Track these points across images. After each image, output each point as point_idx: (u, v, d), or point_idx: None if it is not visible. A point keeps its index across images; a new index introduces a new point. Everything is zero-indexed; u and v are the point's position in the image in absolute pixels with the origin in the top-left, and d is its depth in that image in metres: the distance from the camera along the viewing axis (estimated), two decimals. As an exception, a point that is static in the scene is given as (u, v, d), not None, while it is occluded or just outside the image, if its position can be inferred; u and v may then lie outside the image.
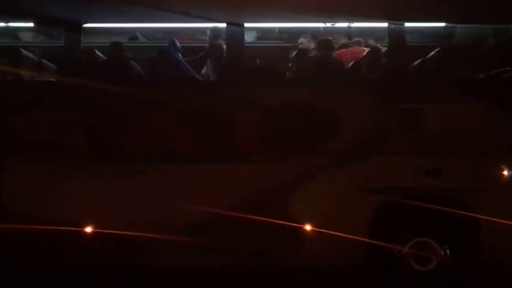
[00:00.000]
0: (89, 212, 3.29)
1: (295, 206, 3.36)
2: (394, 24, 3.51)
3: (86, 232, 3.32)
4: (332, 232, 3.23)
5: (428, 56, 3.75)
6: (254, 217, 3.22)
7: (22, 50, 4.08)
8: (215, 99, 3.42)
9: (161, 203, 3.19)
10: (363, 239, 3.30)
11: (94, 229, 3.33)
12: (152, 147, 3.41)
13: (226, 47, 3.64)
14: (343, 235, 3.21)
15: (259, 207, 3.28)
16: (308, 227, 3.35)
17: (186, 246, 3.20)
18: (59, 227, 3.19)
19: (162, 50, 3.77)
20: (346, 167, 3.37)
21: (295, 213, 3.34)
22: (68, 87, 3.40)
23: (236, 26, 3.51)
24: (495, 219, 3.26)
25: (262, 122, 3.39)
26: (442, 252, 3.36)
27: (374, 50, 3.85)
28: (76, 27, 3.51)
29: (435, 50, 3.74)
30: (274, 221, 3.23)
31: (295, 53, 3.97)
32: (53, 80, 3.76)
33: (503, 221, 3.27)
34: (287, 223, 3.27)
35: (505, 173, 3.37)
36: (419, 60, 3.76)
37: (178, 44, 3.77)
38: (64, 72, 3.48)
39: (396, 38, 3.51)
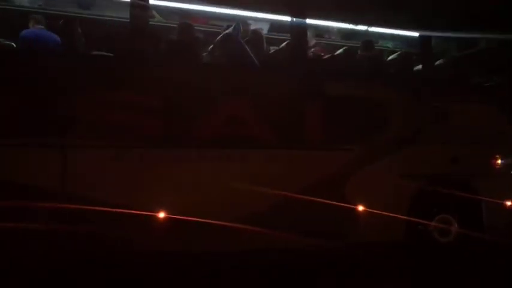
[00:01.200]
0: (163, 197, 3.21)
1: (351, 190, 3.76)
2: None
3: (159, 217, 3.24)
4: (380, 212, 3.72)
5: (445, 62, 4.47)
6: (319, 200, 3.52)
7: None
8: (284, 87, 3.60)
9: (232, 187, 3.28)
10: (403, 218, 3.87)
11: (167, 214, 3.26)
12: (223, 133, 3.44)
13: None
14: (389, 214, 3.74)
15: (321, 192, 3.59)
16: (361, 208, 3.78)
17: (255, 230, 3.34)
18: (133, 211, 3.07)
19: (230, 34, 3.71)
20: (392, 156, 3.87)
21: (351, 196, 3.75)
22: (139, 68, 3.21)
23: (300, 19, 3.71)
24: (494, 200, 4.14)
25: (326, 112, 3.69)
26: (457, 226, 4.12)
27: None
28: (144, 2, 3.28)
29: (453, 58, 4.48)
30: (336, 203, 3.58)
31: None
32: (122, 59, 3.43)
33: (499, 201, 4.17)
34: (344, 205, 3.66)
35: (499, 162, 4.27)
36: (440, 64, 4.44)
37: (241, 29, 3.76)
38: (134, 50, 3.24)
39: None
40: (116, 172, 3.15)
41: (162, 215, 3.23)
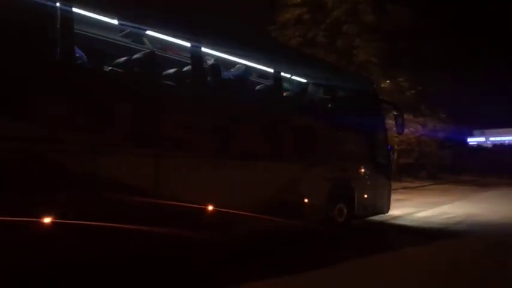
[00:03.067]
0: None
1: (298, 189, 6.03)
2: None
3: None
4: (317, 203, 6.15)
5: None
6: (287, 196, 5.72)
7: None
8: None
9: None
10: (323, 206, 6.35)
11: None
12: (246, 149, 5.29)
13: None
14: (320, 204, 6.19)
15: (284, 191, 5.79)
16: (306, 201, 6.05)
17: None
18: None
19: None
20: (321, 167, 6.44)
21: (298, 193, 6.00)
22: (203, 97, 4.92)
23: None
24: (361, 193, 7.13)
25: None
26: (346, 210, 6.86)
27: None
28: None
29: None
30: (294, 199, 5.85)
31: None
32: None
33: (364, 194, 7.23)
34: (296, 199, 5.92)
35: (363, 170, 7.34)
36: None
37: None
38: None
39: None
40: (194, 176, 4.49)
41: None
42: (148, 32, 4.80)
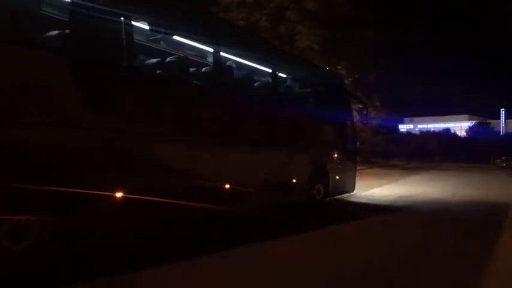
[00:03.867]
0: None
1: (287, 171, 7.51)
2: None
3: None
4: (301, 183, 7.79)
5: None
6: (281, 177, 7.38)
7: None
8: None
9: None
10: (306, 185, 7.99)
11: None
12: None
13: None
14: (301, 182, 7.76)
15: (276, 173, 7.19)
16: (294, 181, 7.62)
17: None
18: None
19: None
20: (306, 153, 8.09)
21: (288, 174, 7.51)
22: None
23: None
24: (334, 173, 8.88)
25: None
26: (322, 190, 8.53)
27: None
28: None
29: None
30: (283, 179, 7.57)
31: None
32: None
33: (338, 176, 9.01)
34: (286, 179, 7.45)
35: (336, 155, 9.08)
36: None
37: None
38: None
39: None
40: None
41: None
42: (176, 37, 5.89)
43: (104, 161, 4.10)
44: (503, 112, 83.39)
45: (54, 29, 4.15)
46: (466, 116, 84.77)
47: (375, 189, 13.27)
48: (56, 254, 3.54)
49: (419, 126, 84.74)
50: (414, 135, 72.85)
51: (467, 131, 74.57)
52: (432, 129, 77.70)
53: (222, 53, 6.16)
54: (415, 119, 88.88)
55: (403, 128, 79.08)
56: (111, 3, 4.28)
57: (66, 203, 3.61)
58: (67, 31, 4.08)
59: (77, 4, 3.95)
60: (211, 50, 6.27)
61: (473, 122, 76.87)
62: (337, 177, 8.96)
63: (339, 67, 18.75)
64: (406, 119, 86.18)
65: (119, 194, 4.13)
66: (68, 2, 4.12)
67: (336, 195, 9.23)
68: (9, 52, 3.41)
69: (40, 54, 3.68)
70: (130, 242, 4.61)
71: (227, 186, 5.71)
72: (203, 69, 6.25)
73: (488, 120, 76.74)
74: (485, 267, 4.54)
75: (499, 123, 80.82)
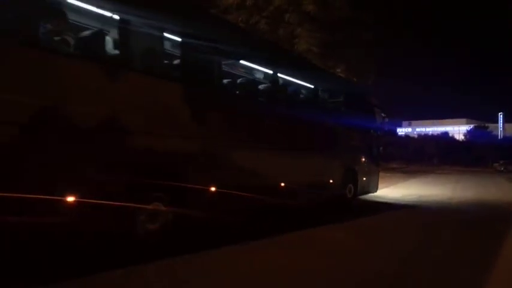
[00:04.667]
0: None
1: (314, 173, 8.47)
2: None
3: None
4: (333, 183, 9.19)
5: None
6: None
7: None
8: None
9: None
10: (340, 184, 9.53)
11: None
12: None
13: None
14: (336, 182, 9.38)
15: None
16: (331, 181, 9.15)
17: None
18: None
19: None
20: (338, 156, 9.58)
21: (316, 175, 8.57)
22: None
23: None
24: (362, 175, 10.50)
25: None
26: (353, 189, 10.05)
27: None
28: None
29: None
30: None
31: None
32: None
33: (364, 177, 10.63)
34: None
35: (363, 159, 10.75)
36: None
37: None
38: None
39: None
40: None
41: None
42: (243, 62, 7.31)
43: (208, 163, 5.60)
44: (501, 116, 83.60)
45: (175, 64, 5.84)
46: (464, 119, 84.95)
47: (379, 191, 13.61)
48: (175, 230, 5.08)
49: (418, 129, 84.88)
50: (412, 138, 73.00)
51: (465, 135, 74.70)
52: (430, 132, 77.86)
53: (279, 74, 7.62)
54: (414, 122, 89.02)
55: (401, 131, 79.11)
56: (209, 44, 5.75)
57: (181, 196, 5.02)
58: (184, 66, 5.68)
59: (188, 45, 5.58)
60: (270, 72, 7.61)
61: (471, 126, 77.02)
62: (364, 178, 10.35)
63: (338, 70, 18.79)
64: (404, 123, 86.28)
65: (212, 188, 5.60)
66: (182, 45, 5.64)
67: (362, 194, 10.50)
68: (151, 82, 4.91)
69: (165, 84, 5.20)
70: (224, 222, 5.89)
71: (282, 184, 7.14)
72: (267, 89, 7.48)
73: (486, 124, 76.91)
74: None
75: (497, 127, 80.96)
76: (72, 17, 4.61)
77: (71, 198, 3.86)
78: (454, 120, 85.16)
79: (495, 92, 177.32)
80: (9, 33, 3.51)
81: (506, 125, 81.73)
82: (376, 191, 11.29)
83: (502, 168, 47.43)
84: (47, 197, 3.60)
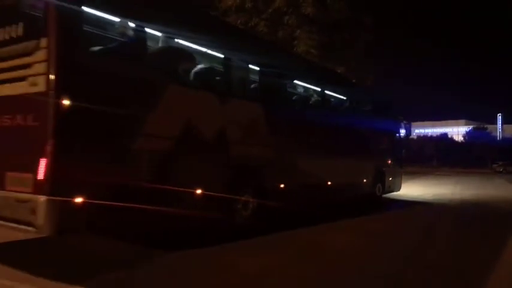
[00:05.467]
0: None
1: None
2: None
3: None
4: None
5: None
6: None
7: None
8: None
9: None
10: (370, 184, 11.40)
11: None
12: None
13: None
14: (368, 182, 10.99)
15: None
16: (364, 180, 10.90)
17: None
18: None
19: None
20: (370, 159, 11.46)
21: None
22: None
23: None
24: (389, 175, 12.14)
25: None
26: (381, 188, 11.71)
27: None
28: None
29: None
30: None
31: None
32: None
33: (390, 178, 12.36)
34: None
35: (389, 162, 12.32)
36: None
37: None
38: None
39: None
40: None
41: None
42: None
43: (278, 166, 7.15)
44: (500, 117, 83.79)
45: (257, 89, 7.30)
46: (463, 121, 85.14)
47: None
48: (260, 216, 6.53)
49: (417, 130, 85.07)
50: (411, 139, 73.10)
51: (464, 136, 74.81)
52: (429, 133, 77.96)
53: (328, 92, 9.30)
54: (412, 123, 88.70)
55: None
56: (279, 70, 7.44)
57: (262, 191, 6.66)
58: (263, 91, 7.22)
59: (266, 74, 7.12)
60: (321, 90, 9.06)
61: (470, 127, 77.15)
62: (390, 179, 11.88)
63: (337, 71, 18.82)
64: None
65: (281, 185, 7.20)
66: (262, 74, 7.14)
67: (388, 193, 11.96)
68: (245, 104, 6.65)
69: (252, 105, 6.77)
70: (291, 211, 7.20)
71: (329, 183, 8.73)
72: (319, 104, 8.91)
73: (485, 125, 77.05)
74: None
75: (496, 128, 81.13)
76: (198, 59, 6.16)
77: (198, 191, 5.47)
78: (453, 121, 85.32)
79: (494, 93, 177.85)
80: (168, 75, 5.39)
81: (505, 126, 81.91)
82: (399, 190, 12.81)
83: (501, 169, 47.53)
84: (185, 189, 5.17)
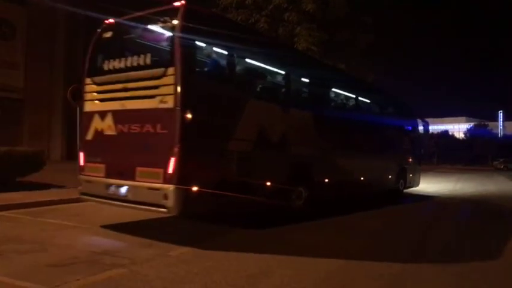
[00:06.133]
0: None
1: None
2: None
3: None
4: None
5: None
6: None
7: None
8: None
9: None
10: (394, 179, 13.28)
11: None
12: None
13: None
14: (392, 178, 13.01)
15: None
16: (389, 176, 12.77)
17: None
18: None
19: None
20: (394, 157, 13.24)
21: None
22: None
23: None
24: (409, 172, 13.98)
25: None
26: (403, 183, 13.53)
27: None
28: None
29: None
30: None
31: None
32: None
33: (411, 173, 14.23)
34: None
35: (410, 159, 14.09)
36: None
37: None
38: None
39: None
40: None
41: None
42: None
43: (323, 164, 8.66)
44: (501, 114, 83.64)
45: (310, 99, 9.12)
46: (463, 118, 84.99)
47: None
48: (309, 205, 8.03)
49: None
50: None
51: (465, 133, 74.67)
52: (430, 131, 77.62)
53: (364, 99, 11.26)
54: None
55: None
56: (328, 84, 9.59)
57: (311, 184, 8.16)
58: (315, 101, 9.06)
59: (316, 87, 9.20)
60: (355, 97, 10.88)
61: (471, 124, 77.00)
62: (411, 175, 13.52)
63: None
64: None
65: (326, 180, 8.72)
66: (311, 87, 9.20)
67: (408, 188, 13.66)
68: (301, 113, 8.23)
69: (305, 113, 8.38)
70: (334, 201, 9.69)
71: (362, 178, 10.39)
72: (356, 111, 10.66)
73: (486, 122, 76.90)
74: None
75: (497, 125, 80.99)
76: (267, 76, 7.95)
77: (268, 183, 6.95)
78: (454, 118, 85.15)
79: (495, 90, 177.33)
80: (250, 92, 7.13)
81: (506, 123, 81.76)
82: (418, 186, 14.54)
83: (502, 166, 47.46)
84: (260, 181, 6.79)
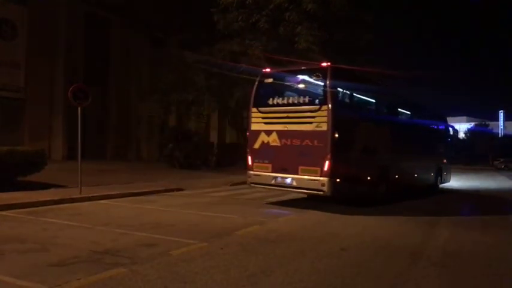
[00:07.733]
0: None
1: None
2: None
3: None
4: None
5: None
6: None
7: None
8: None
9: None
10: (434, 177, 16.10)
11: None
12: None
13: None
14: (432, 175, 15.97)
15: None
16: (431, 174, 15.78)
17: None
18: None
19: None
20: (434, 158, 16.45)
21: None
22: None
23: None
24: (444, 170, 17.24)
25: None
26: (440, 180, 16.42)
27: None
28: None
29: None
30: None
31: None
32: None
33: (445, 171, 17.29)
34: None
35: (444, 160, 17.40)
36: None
37: None
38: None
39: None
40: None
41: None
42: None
43: (395, 165, 11.63)
44: (502, 114, 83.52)
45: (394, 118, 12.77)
46: (464, 117, 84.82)
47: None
48: (386, 194, 11.14)
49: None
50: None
51: (465, 133, 74.58)
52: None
53: (418, 116, 14.52)
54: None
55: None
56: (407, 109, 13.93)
57: (388, 180, 11.19)
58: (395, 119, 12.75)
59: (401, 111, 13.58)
60: (421, 115, 14.79)
61: (472, 124, 76.85)
62: (445, 173, 16.48)
63: (338, 68, 18.68)
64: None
65: (396, 176, 11.69)
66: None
67: (443, 183, 16.48)
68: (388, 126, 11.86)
69: (388, 127, 11.87)
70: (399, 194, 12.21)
71: (416, 175, 13.62)
72: (415, 124, 14.08)
73: (487, 122, 76.75)
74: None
75: (498, 125, 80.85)
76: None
77: (368, 178, 10.27)
78: (454, 118, 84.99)
79: (496, 90, 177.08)
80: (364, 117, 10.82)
81: (507, 123, 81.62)
82: (449, 182, 17.44)
83: (503, 166, 47.44)
84: (362, 177, 10.00)
